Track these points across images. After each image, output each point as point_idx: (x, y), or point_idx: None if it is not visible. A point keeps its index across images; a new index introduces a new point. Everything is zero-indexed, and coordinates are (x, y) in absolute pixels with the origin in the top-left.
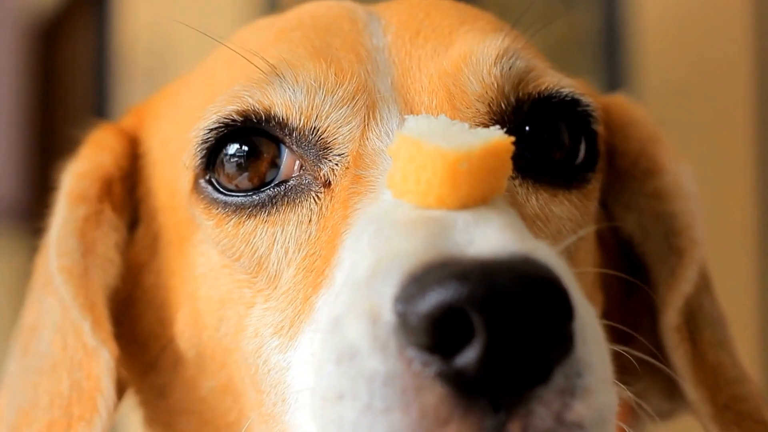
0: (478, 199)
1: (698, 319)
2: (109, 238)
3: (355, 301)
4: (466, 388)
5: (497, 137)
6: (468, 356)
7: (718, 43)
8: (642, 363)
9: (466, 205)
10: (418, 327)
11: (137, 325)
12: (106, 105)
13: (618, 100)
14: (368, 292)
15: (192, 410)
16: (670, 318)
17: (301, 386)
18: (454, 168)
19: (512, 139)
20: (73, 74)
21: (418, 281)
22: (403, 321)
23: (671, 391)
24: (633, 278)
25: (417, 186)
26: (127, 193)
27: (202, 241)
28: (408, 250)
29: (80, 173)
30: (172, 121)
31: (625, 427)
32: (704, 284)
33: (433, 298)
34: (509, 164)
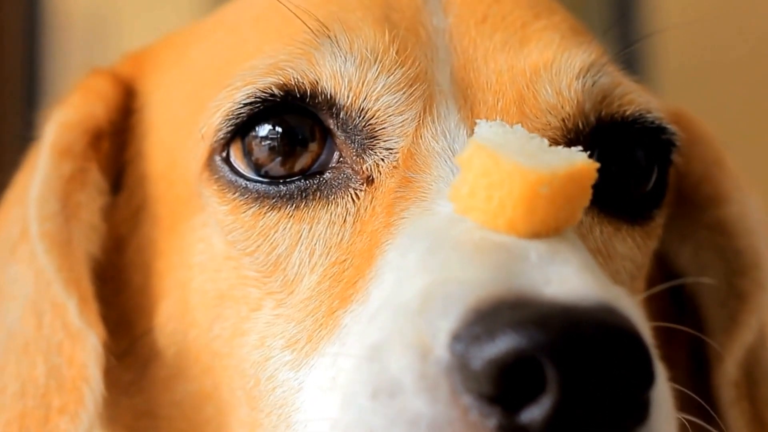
0: (551, 228)
1: (756, 374)
2: (94, 202)
3: (401, 328)
4: None
5: (581, 161)
6: (535, 413)
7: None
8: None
9: (538, 233)
10: (482, 373)
11: (108, 309)
12: (37, 73)
13: (681, 113)
14: (419, 321)
15: (161, 415)
16: (729, 371)
17: (314, 414)
18: (533, 190)
19: (597, 165)
20: (0, 38)
21: (487, 320)
22: (462, 363)
23: None
24: (679, 321)
25: (487, 204)
26: (116, 153)
27: (205, 224)
28: (472, 280)
29: (67, 123)
30: (180, 78)
31: None
32: (762, 334)
33: (504, 343)
34: (589, 193)
